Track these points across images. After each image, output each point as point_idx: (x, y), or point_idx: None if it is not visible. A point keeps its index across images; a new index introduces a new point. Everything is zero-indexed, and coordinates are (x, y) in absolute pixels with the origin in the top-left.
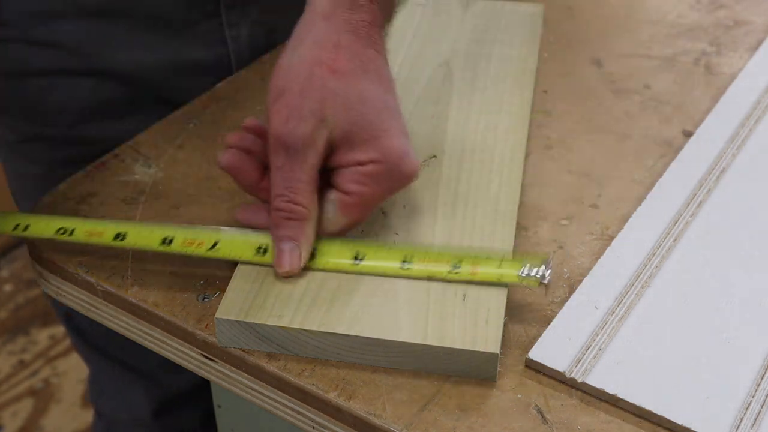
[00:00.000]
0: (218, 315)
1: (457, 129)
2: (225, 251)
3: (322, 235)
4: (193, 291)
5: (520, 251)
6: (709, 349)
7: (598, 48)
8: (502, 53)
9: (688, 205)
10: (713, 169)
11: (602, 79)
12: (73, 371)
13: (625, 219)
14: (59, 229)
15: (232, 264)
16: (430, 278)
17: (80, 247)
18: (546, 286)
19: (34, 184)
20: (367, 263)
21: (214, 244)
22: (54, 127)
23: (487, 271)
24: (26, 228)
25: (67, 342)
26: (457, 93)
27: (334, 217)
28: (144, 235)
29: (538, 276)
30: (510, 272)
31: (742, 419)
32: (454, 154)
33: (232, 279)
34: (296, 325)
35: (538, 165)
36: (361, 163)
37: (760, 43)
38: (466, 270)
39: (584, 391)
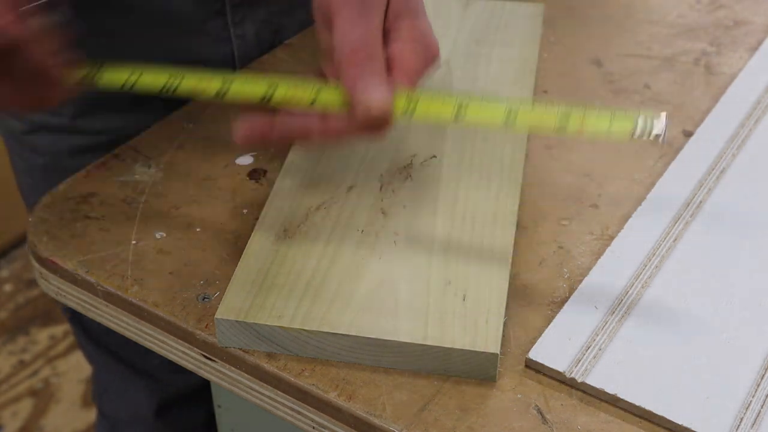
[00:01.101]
0: (218, 315)
1: (457, 129)
2: (323, 99)
3: None
4: (193, 291)
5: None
6: (709, 349)
7: (598, 48)
8: (502, 53)
9: (688, 205)
10: (713, 169)
11: (602, 79)
12: (73, 371)
13: (625, 219)
14: (164, 86)
15: (232, 264)
16: (534, 129)
17: (80, 247)
18: (661, 142)
19: (40, 175)
20: (469, 116)
21: (313, 101)
22: (58, 117)
23: (596, 127)
24: (134, 85)
25: (67, 342)
26: (457, 93)
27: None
28: (247, 88)
29: (653, 133)
30: (622, 128)
31: (742, 419)
32: (454, 154)
33: (232, 279)
34: (296, 325)
35: (538, 165)
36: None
37: (760, 43)
38: (573, 126)
39: (584, 391)
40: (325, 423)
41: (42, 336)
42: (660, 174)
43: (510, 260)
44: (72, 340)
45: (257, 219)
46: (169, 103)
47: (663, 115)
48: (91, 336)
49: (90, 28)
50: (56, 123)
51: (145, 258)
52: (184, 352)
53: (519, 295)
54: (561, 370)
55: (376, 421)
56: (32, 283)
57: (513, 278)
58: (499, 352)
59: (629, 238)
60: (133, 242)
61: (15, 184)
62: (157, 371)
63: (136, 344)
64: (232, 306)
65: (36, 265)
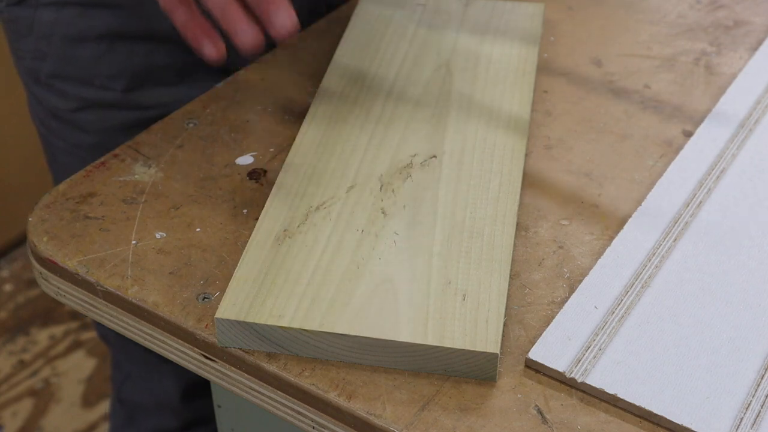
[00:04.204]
0: (218, 315)
1: (457, 129)
2: None
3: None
4: (193, 291)
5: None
6: (709, 349)
7: (598, 48)
8: (502, 53)
9: (688, 205)
10: (713, 169)
11: (602, 79)
12: (73, 371)
13: (625, 219)
14: None
15: (232, 264)
16: None
17: (80, 247)
18: None
19: (86, 155)
20: None
21: None
22: (108, 92)
23: None
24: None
25: (67, 342)
26: (457, 93)
27: None
28: None
29: None
30: None
31: (742, 419)
32: (454, 154)
33: (232, 279)
34: (296, 325)
35: (538, 165)
36: None
37: (760, 43)
38: None
39: (584, 391)
40: (325, 423)
41: (42, 336)
42: (660, 174)
43: (510, 260)
44: (72, 340)
45: (257, 219)
46: (215, 75)
47: None
48: None
49: None
50: (107, 98)
51: (145, 258)
52: (184, 352)
53: (519, 295)
54: (561, 370)
55: (376, 421)
56: (32, 283)
57: (513, 278)
58: (499, 352)
59: (629, 238)
60: (133, 242)
61: (15, 185)
62: None
63: None
64: (232, 306)
65: (36, 265)
